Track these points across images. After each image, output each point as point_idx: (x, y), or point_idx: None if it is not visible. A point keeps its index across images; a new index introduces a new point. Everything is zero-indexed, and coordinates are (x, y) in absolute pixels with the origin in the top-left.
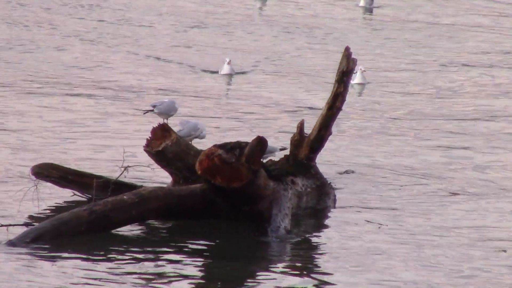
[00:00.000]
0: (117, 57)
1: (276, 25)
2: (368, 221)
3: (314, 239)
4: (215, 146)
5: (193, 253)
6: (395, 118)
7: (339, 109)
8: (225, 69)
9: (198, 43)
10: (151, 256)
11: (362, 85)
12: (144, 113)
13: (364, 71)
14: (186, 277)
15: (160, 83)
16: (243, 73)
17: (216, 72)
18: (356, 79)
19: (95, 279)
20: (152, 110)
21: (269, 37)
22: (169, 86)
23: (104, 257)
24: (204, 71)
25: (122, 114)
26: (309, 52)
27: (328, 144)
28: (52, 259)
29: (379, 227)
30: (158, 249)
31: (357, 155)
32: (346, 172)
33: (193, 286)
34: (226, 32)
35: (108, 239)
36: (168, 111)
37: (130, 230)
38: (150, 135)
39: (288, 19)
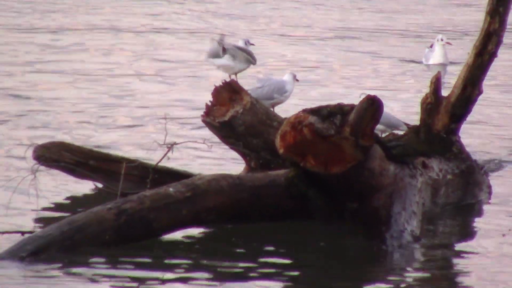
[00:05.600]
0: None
1: None
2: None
3: (456, 252)
4: (304, 111)
5: (276, 265)
6: None
7: (494, 55)
8: (437, 55)
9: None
10: (219, 272)
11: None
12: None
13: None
14: None
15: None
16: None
17: (419, 62)
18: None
19: None
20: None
21: None
22: None
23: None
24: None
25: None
26: None
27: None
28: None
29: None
30: (223, 261)
31: None
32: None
33: None
34: None
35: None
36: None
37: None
38: (211, 99)
39: None
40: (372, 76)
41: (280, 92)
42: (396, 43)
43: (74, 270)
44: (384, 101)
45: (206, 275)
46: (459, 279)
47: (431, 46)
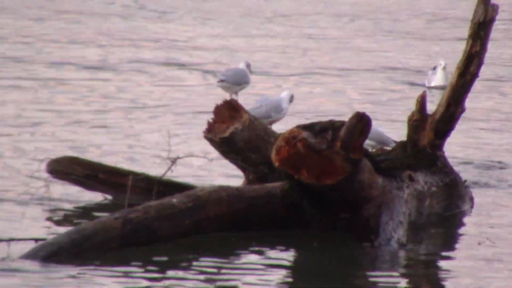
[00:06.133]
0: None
1: None
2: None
3: (439, 259)
4: (298, 127)
5: (273, 269)
6: None
7: (475, 75)
8: (439, 78)
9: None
10: (220, 272)
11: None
12: (218, 81)
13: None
14: None
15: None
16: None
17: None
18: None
19: None
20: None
21: None
22: None
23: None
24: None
25: (170, 87)
26: None
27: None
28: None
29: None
30: (226, 264)
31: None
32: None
33: None
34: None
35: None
36: (238, 81)
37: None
38: (212, 116)
39: None
40: (372, 97)
41: (277, 111)
42: (399, 66)
43: (84, 270)
44: (379, 122)
45: (203, 274)
46: (440, 281)
47: (434, 68)
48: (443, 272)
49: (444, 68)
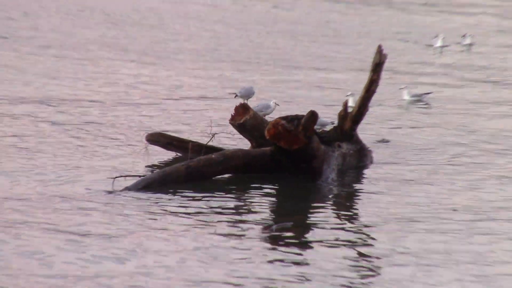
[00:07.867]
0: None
1: None
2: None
3: (355, 188)
4: (279, 118)
5: (265, 194)
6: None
7: (374, 92)
8: (351, 102)
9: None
10: (236, 195)
11: None
12: (234, 97)
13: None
14: (257, 212)
15: None
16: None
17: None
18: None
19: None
20: (236, 95)
21: None
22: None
23: (202, 199)
24: None
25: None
26: None
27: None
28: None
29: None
30: (237, 192)
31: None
32: (382, 141)
33: (261, 216)
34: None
35: (201, 185)
36: (248, 94)
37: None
38: (233, 112)
39: None
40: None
41: (265, 109)
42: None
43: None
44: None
45: (222, 202)
46: (356, 198)
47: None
48: (357, 193)
49: (351, 96)
